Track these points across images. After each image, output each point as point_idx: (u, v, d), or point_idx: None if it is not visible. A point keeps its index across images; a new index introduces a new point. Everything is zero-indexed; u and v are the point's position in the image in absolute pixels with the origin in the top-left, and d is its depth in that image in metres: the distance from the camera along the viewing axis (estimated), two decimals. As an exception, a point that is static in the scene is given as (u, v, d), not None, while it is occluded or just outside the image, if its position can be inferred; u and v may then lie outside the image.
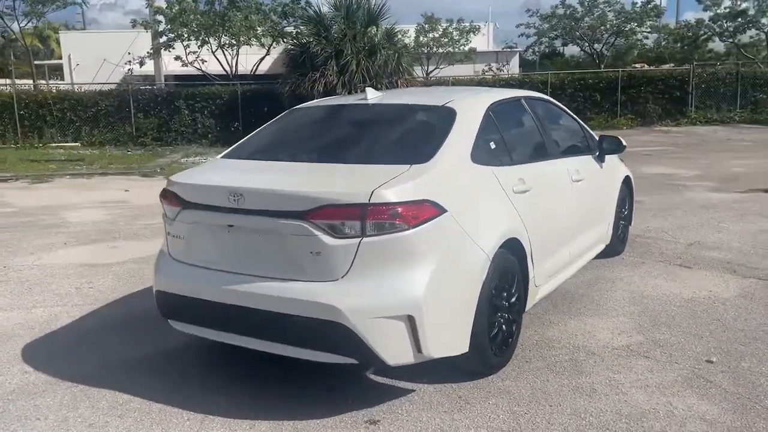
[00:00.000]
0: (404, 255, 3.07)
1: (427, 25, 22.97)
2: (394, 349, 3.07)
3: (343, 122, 4.17)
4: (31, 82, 25.75)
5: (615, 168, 5.76)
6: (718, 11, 24.74)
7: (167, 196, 3.62)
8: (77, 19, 44.48)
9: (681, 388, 3.44)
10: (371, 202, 3.01)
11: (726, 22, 25.01)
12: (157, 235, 7.53)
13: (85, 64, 26.40)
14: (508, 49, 30.93)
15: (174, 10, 20.58)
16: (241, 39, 20.77)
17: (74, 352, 4.20)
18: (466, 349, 3.31)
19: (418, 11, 27.03)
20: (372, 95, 4.15)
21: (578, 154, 5.06)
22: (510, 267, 3.66)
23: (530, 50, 31.31)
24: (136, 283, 5.65)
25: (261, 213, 3.18)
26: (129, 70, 22.37)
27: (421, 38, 22.77)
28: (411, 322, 3.04)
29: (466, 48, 23.47)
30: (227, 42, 21.07)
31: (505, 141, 4.01)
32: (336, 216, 3.03)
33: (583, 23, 26.08)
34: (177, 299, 3.55)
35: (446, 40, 22.95)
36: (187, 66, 21.54)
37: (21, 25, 26.86)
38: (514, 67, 27.96)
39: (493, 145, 3.85)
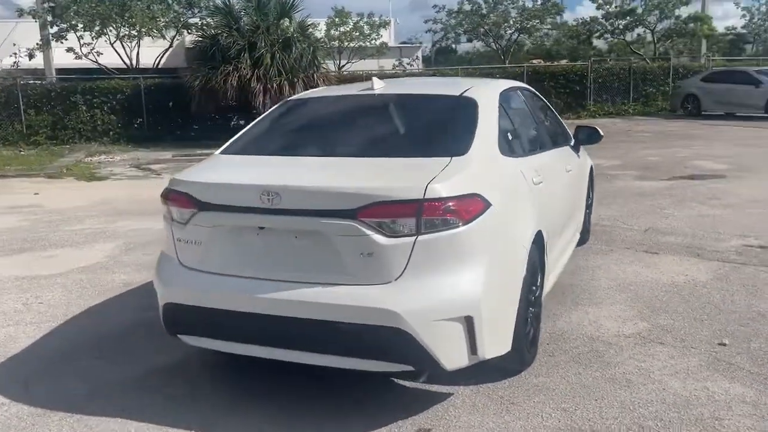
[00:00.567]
0: (460, 253, 2.90)
1: (337, 19, 22.70)
2: (452, 353, 2.89)
3: (361, 114, 3.91)
4: None
5: (585, 157, 5.86)
6: (610, 9, 26.19)
7: (175, 197, 3.24)
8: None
9: (709, 373, 3.50)
10: (426, 197, 2.81)
11: (617, 20, 26.52)
12: (94, 242, 6.91)
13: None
14: (410, 45, 31.30)
15: (67, -2, 19.09)
16: (143, 30, 19.58)
17: (52, 377, 3.70)
18: (509, 348, 3.19)
19: (328, 4, 26.60)
20: (378, 85, 3.93)
21: (563, 144, 5.08)
22: (537, 260, 3.58)
23: (438, 45, 31.76)
24: (91, 296, 5.11)
25: (301, 213, 2.90)
26: (15, 63, 20.49)
27: (332, 32, 22.47)
28: (468, 323, 2.88)
29: (378, 42, 23.44)
30: (127, 33, 19.79)
31: (517, 132, 3.94)
32: (390, 213, 2.80)
33: (488, 19, 26.78)
34: (193, 312, 3.18)
35: (357, 34, 22.78)
36: (81, 59, 20.04)
37: None
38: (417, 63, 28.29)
39: (510, 136, 3.76)
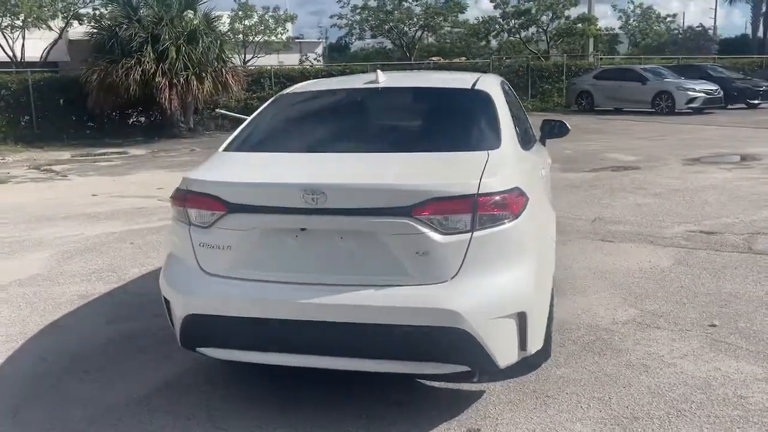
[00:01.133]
0: (511, 248, 2.85)
1: (241, 12, 22.02)
2: (506, 350, 2.84)
3: (378, 108, 3.76)
4: None
5: (546, 151, 6.00)
6: (507, 9, 27.20)
7: (195, 198, 2.97)
8: None
9: (714, 353, 3.68)
10: (480, 192, 2.74)
11: (513, 20, 27.59)
12: (22, 251, 6.28)
13: None
14: (313, 41, 30.99)
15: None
16: (29, 20, 18.06)
17: (44, 404, 3.29)
18: (543, 341, 3.19)
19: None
20: (383, 78, 3.80)
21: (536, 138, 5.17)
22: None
23: (342, 41, 31.61)
24: (45, 311, 4.62)
25: (348, 212, 2.74)
26: None
27: (237, 25, 21.77)
28: (521, 318, 2.84)
29: (284, 37, 22.99)
30: (10, 24, 18.18)
31: (520, 125, 3.95)
32: (446, 210, 2.70)
33: (393, 16, 26.99)
34: (222, 323, 2.92)
35: (263, 27, 22.21)
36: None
37: None
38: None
39: (518, 129, 3.76)
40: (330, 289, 2.78)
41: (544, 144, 5.52)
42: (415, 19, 27.08)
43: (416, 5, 26.76)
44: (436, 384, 3.37)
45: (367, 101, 3.79)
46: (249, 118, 3.74)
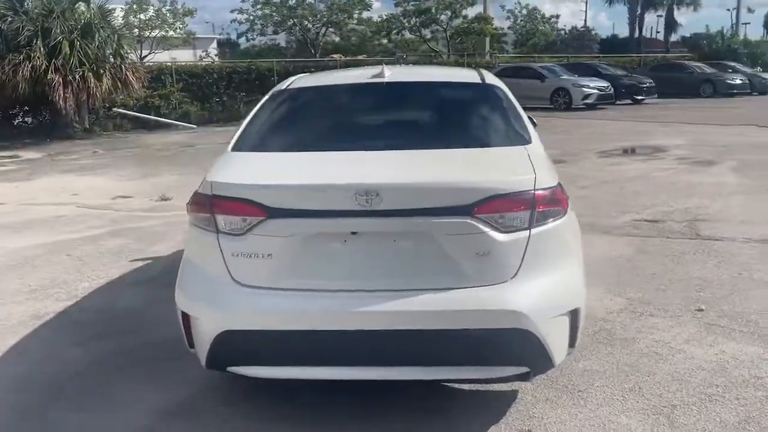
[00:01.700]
0: (563, 244, 2.82)
1: (135, 5, 20.79)
2: (560, 348, 2.79)
3: (395, 103, 3.58)
4: None
5: None
6: (407, 7, 27.51)
7: (225, 204, 2.69)
8: None
9: (713, 337, 3.83)
10: (537, 188, 2.67)
11: (413, 18, 27.95)
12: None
13: None
14: (202, 36, 29.82)
15: None
16: None
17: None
18: None
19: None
20: (388, 72, 3.64)
21: None
22: None
23: (244, 37, 30.63)
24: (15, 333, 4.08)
25: (404, 213, 2.57)
26: None
27: (131, 19, 20.54)
28: (574, 316, 2.80)
29: (182, 32, 21.95)
30: None
31: None
32: (507, 207, 2.61)
33: (297, 12, 26.50)
34: (260, 338, 2.67)
35: (160, 22, 21.09)
36: None
37: None
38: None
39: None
40: (384, 295, 2.61)
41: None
42: (318, 16, 26.77)
43: (320, 2, 26.54)
44: (464, 387, 3.27)
45: (383, 96, 3.61)
46: (250, 116, 3.45)
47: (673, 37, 45.71)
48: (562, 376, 3.38)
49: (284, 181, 2.74)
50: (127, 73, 16.45)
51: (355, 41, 37.30)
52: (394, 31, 28.86)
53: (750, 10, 48.72)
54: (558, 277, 2.75)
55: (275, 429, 2.98)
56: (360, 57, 26.97)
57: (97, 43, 15.74)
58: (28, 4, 15.72)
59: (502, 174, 2.75)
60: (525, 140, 3.11)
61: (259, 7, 26.83)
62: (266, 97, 3.61)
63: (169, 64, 19.37)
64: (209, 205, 2.74)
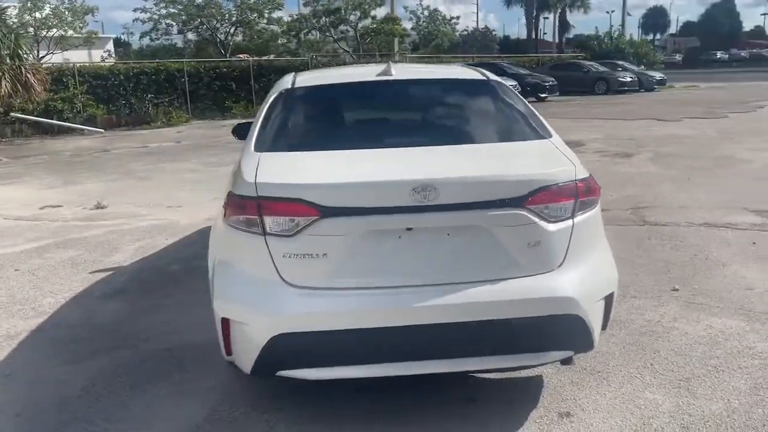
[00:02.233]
0: (598, 230, 2.97)
1: (30, 3, 19.41)
2: (598, 330, 2.92)
3: (411, 101, 3.62)
4: None
5: None
6: (317, 7, 27.33)
7: (273, 205, 2.61)
8: None
9: (697, 314, 4.11)
10: (577, 178, 2.80)
11: (323, 18, 27.80)
12: None
13: None
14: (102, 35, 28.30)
15: None
16: None
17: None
18: None
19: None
20: (395, 70, 3.64)
21: None
22: None
23: (148, 37, 29.21)
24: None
25: (459, 207, 2.61)
26: None
27: (26, 17, 19.15)
28: (608, 299, 2.94)
29: (84, 31, 20.71)
30: None
31: None
32: (554, 197, 2.71)
33: (206, 12, 25.63)
34: (316, 339, 2.62)
35: (57, 21, 19.80)
36: None
37: None
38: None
39: None
40: (440, 289, 2.64)
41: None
42: (227, 15, 26.03)
43: (229, 0, 25.82)
44: (491, 376, 3.35)
45: (399, 94, 3.61)
46: (261, 116, 3.35)
47: (555, 38, 48.28)
48: (582, 359, 3.52)
49: (339, 180, 2.70)
50: (28, 75, 15.32)
51: (259, 42, 36.64)
52: (304, 31, 28.64)
53: (628, 14, 52.37)
54: (597, 263, 2.90)
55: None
56: (266, 58, 26.55)
57: (-8, 42, 14.58)
58: None
59: (547, 166, 2.84)
60: (547, 133, 3.23)
61: (163, 5, 25.74)
62: (273, 96, 3.50)
63: (71, 65, 18.23)
64: (256, 206, 2.65)
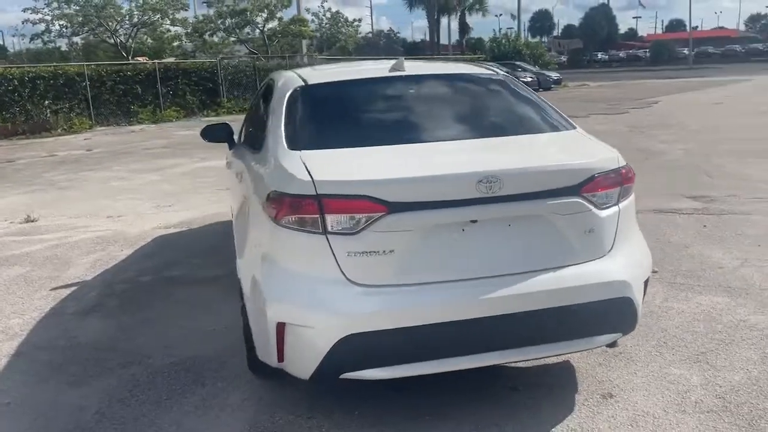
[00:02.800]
0: (634, 217, 3.08)
1: None
2: (640, 313, 3.04)
3: (436, 96, 3.60)
4: None
5: None
6: (222, 9, 26.59)
7: (337, 202, 2.53)
8: None
9: (684, 293, 4.35)
10: (620, 165, 2.90)
11: (229, 19, 27.11)
12: None
13: None
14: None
15: None
16: None
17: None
18: None
19: None
20: (407, 66, 3.64)
21: None
22: None
23: (39, 39, 27.14)
24: None
25: (520, 198, 2.64)
26: None
27: None
28: (646, 282, 3.07)
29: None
30: None
31: None
32: (604, 185, 2.79)
33: (105, 12, 24.19)
34: (386, 338, 2.55)
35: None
36: None
37: None
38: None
39: None
40: (506, 280, 2.65)
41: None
42: (127, 17, 24.73)
43: (130, 1, 24.49)
44: (522, 365, 3.40)
45: (422, 89, 3.59)
46: (281, 113, 3.21)
47: (450, 41, 49.75)
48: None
49: (406, 174, 2.64)
50: None
51: (152, 44, 35.20)
52: (207, 33, 27.77)
53: (513, 17, 54.85)
54: (637, 248, 3.02)
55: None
56: (172, 60, 25.60)
57: None
58: None
59: (595, 155, 2.93)
60: (570, 125, 3.32)
61: (55, 6, 24.05)
62: (288, 93, 3.35)
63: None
64: (316, 205, 2.55)
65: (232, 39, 28.35)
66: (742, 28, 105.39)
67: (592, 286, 2.74)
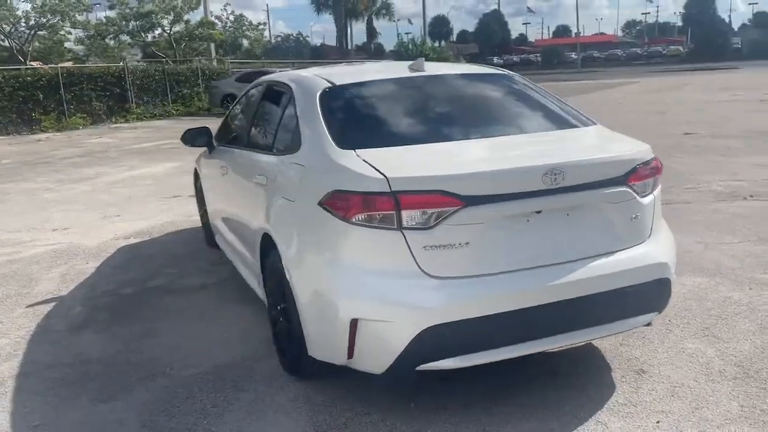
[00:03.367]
0: (659, 203, 3.31)
1: None
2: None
3: (464, 94, 3.72)
4: None
5: None
6: (126, 11, 25.42)
7: (414, 198, 2.60)
8: None
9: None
10: (653, 157, 3.12)
11: (134, 21, 25.96)
12: None
13: None
14: None
15: None
16: None
17: None
18: None
19: None
20: (427, 67, 3.75)
21: None
22: None
23: None
24: (-35, 420, 3.10)
25: (579, 188, 2.79)
26: None
27: None
28: (674, 264, 3.31)
29: None
30: None
31: None
32: (645, 175, 3.01)
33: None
34: (463, 328, 2.63)
35: None
36: None
37: None
38: None
39: None
40: (568, 266, 2.81)
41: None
42: (23, 19, 23.07)
43: (24, 1, 22.90)
44: (552, 351, 3.56)
45: (454, 88, 3.69)
46: (317, 115, 3.19)
47: (352, 45, 50.20)
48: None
49: (479, 169, 2.73)
50: None
51: (40, 47, 33.14)
52: (110, 36, 26.47)
53: (410, 22, 56.04)
54: (667, 233, 3.27)
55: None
56: (75, 65, 24.20)
57: None
58: None
59: (633, 146, 3.13)
60: (592, 121, 3.53)
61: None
62: (317, 96, 3.32)
63: None
64: (392, 201, 2.59)
65: (131, 42, 27.15)
66: (620, 33, 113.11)
67: (640, 269, 2.94)
